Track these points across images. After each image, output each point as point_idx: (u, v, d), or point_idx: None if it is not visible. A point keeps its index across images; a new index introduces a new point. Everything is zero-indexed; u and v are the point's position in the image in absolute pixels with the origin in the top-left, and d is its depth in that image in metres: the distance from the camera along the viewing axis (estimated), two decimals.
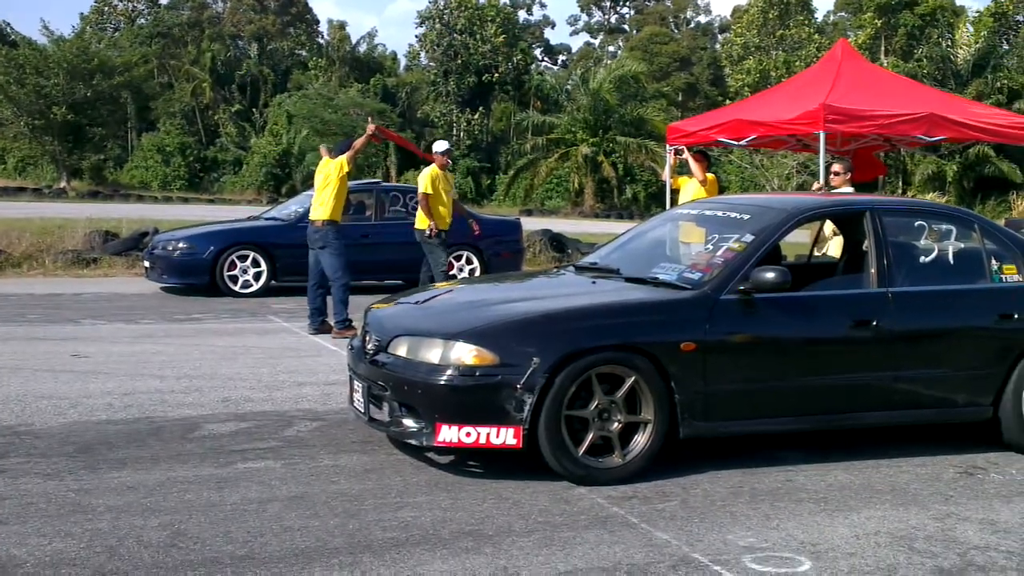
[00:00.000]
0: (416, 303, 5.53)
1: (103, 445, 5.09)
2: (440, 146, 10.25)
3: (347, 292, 9.04)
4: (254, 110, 58.10)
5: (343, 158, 9.14)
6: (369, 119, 9.83)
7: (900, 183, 39.87)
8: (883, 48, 48.58)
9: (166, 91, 56.77)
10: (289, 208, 13.32)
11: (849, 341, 5.16)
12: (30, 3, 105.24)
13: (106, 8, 66.30)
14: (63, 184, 43.96)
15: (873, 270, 5.33)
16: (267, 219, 13.12)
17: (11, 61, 43.67)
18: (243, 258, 11.92)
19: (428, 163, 10.24)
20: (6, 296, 11.21)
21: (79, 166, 48.08)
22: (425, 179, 9.97)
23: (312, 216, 9.17)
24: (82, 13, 66.17)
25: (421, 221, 9.98)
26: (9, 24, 61.24)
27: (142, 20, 65.04)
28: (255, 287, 11.90)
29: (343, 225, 9.26)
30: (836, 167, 9.28)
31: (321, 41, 65.58)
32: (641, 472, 4.67)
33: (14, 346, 8.02)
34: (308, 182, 42.68)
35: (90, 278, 13.45)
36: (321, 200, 9.09)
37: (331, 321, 9.05)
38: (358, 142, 9.43)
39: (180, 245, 12.01)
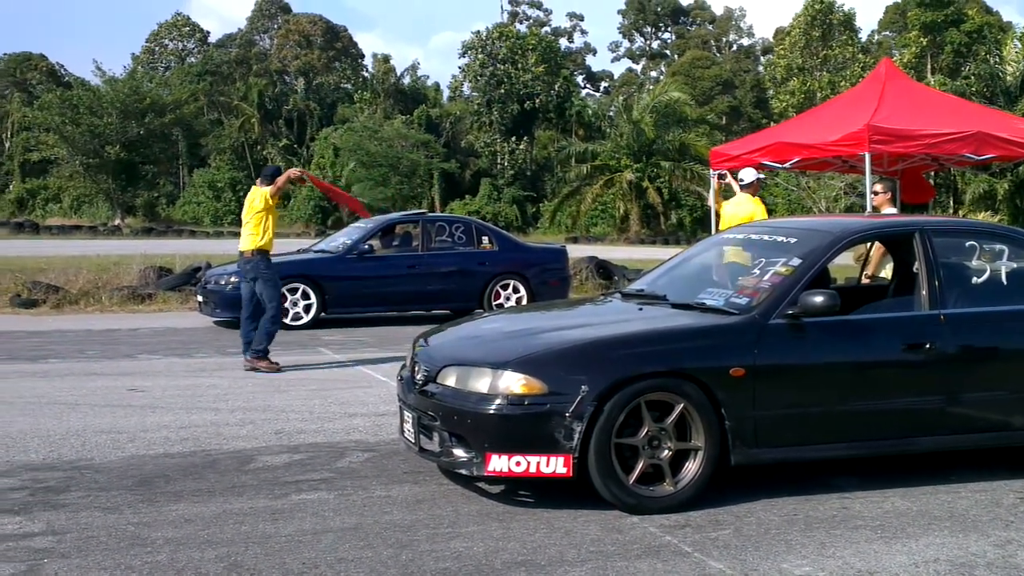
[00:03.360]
0: (464, 332, 5.58)
1: (161, 478, 5.19)
2: (749, 175, 10.02)
3: (276, 324, 8.87)
4: (297, 146, 59.03)
5: (266, 191, 8.93)
6: (300, 169, 9.64)
7: (951, 202, 39.28)
8: (929, 66, 48.07)
9: (216, 127, 57.92)
10: (337, 240, 13.50)
11: (901, 365, 5.09)
12: (83, 45, 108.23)
13: (156, 48, 68.02)
14: (117, 221, 44.99)
15: (924, 292, 5.26)
16: (316, 251, 13.30)
17: (65, 102, 44.90)
18: (293, 291, 12.06)
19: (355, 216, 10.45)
20: (64, 332, 11.47)
21: (133, 203, 49.21)
22: (762, 209, 9.79)
23: (241, 247, 9.02)
24: (134, 53, 68.04)
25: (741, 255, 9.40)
26: (63, 66, 63.20)
27: (192, 59, 66.56)
28: (305, 319, 12.02)
29: (275, 254, 9.13)
30: (877, 187, 9.21)
31: (366, 74, 66.49)
32: (693, 500, 4.64)
33: (73, 382, 8.20)
34: (355, 215, 43.31)
35: (145, 313, 13.71)
36: (248, 230, 8.93)
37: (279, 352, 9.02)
38: (280, 179, 9.12)
39: (232, 279, 12.14)
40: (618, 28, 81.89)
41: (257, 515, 4.55)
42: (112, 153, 44.71)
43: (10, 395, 7.54)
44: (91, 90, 46.11)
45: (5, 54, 66.60)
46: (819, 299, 4.87)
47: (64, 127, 44.74)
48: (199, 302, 12.61)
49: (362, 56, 70.41)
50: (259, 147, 59.35)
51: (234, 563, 3.91)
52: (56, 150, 48.91)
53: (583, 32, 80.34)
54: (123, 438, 6.10)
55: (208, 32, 71.25)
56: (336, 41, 68.50)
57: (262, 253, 8.93)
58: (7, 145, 61.58)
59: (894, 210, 9.16)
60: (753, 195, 9.96)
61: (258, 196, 8.99)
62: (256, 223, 8.92)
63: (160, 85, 52.52)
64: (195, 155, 58.40)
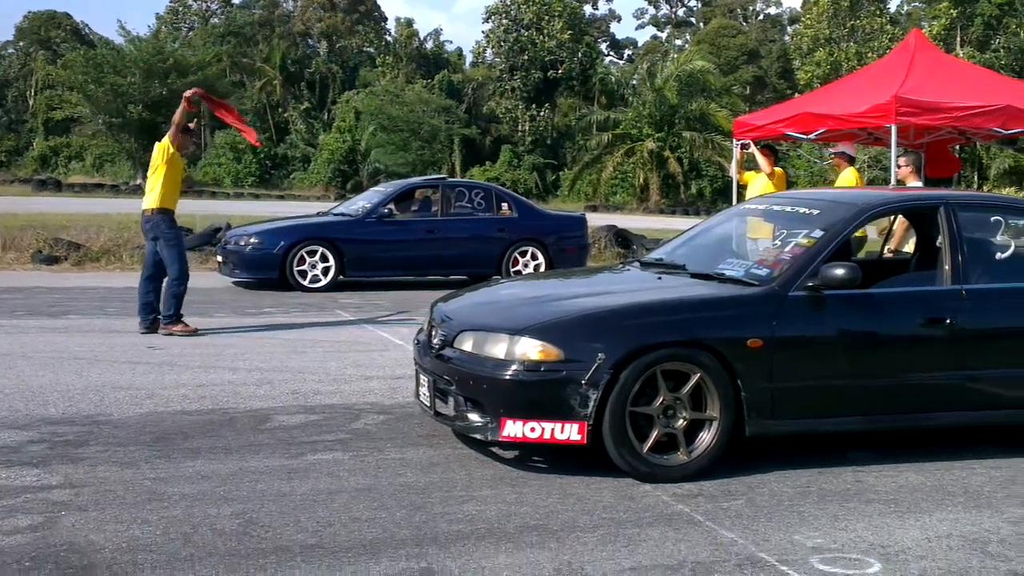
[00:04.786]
0: (482, 298, 5.57)
1: (178, 435, 5.23)
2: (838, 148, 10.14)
3: (181, 287, 8.48)
4: (319, 110, 58.89)
5: (165, 140, 8.50)
6: (192, 90, 8.74)
7: (976, 177, 38.86)
8: (959, 38, 47.35)
9: (238, 89, 57.81)
10: (357, 204, 13.51)
11: (921, 339, 5.05)
12: (108, 3, 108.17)
13: (180, 8, 67.85)
14: (139, 181, 45.04)
15: (947, 266, 5.21)
16: (335, 215, 13.31)
17: (89, 61, 44.93)
18: (312, 253, 12.09)
19: (254, 148, 9.58)
20: (85, 290, 11.56)
21: None
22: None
23: (143, 205, 8.61)
24: (158, 13, 68.02)
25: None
26: (87, 25, 63.24)
27: (215, 19, 66.39)
28: (323, 282, 12.06)
29: (177, 214, 8.71)
30: (901, 160, 9.14)
31: (389, 38, 66.18)
32: (706, 470, 4.64)
33: (93, 338, 8.27)
34: (375, 178, 43.32)
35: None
36: (150, 186, 8.53)
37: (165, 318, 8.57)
38: (176, 114, 8.56)
39: (252, 240, 12.24)
40: None
41: (273, 474, 4.58)
42: (135, 112, 44.75)
43: (31, 350, 7.61)
44: (115, 50, 46.10)
45: (30, 12, 66.74)
46: (840, 272, 4.82)
47: (87, 86, 44.80)
48: (219, 262, 12.67)
49: (385, 19, 70.06)
50: (281, 110, 59.31)
51: (249, 520, 3.95)
52: (79, 109, 49.03)
53: None
54: (141, 394, 6.15)
55: None
56: (360, 3, 68.08)
57: (163, 212, 8.49)
58: (31, 103, 61.83)
59: (919, 183, 9.07)
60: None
61: (157, 150, 8.54)
62: (156, 178, 8.48)
63: (184, 46, 52.44)
64: (217, 117, 58.41)
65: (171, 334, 8.44)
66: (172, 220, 8.66)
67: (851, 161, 9.95)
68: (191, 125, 8.85)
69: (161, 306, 8.60)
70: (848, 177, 9.66)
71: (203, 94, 9.05)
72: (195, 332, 8.53)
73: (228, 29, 62.21)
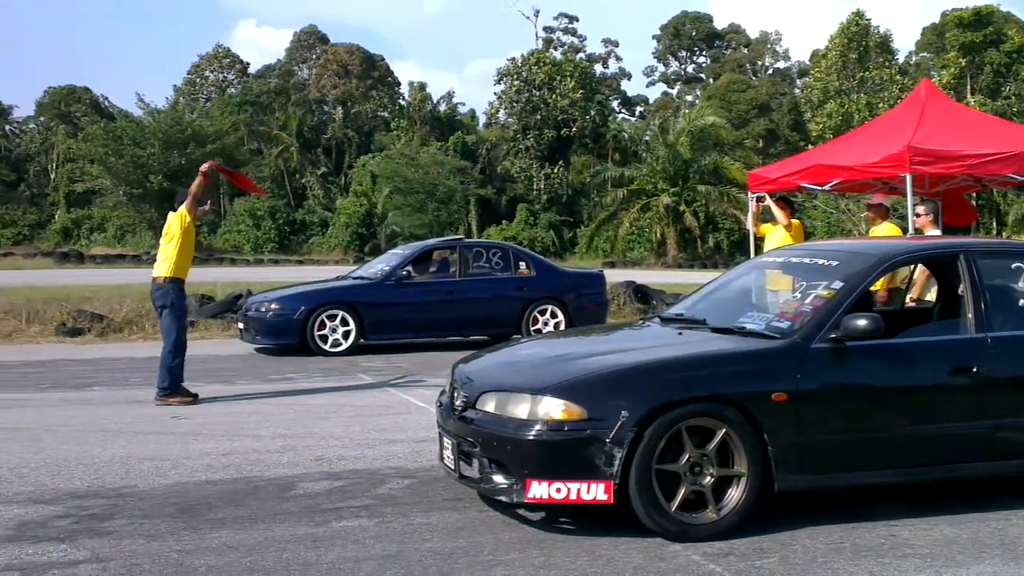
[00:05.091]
0: (503, 358, 5.57)
1: (203, 505, 5.22)
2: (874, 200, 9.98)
3: (176, 359, 8.45)
4: (335, 175, 59.53)
5: (183, 208, 8.61)
6: (209, 162, 9.03)
7: (994, 223, 38.74)
8: (969, 87, 47.57)
9: (255, 157, 58.59)
10: (376, 267, 13.59)
11: (948, 389, 5.01)
12: (127, 77, 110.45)
13: (198, 80, 69.12)
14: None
15: (970, 315, 5.17)
16: (354, 278, 13.37)
17: (109, 133, 45.70)
18: (332, 317, 12.13)
19: (255, 196, 10.00)
20: (109, 361, 11.62)
21: None
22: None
23: (154, 273, 8.63)
24: (175, 85, 69.13)
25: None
26: (107, 98, 64.29)
27: (232, 89, 67.53)
28: (344, 346, 12.07)
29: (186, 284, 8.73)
30: (919, 208, 9.11)
31: (402, 102, 67.04)
32: (737, 527, 4.57)
33: (117, 409, 8.30)
34: (392, 241, 43.59)
35: (188, 341, 13.80)
36: (164, 255, 8.57)
37: (183, 386, 8.61)
38: (193, 186, 8.70)
39: (273, 306, 12.29)
40: (653, 53, 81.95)
41: (299, 542, 4.55)
42: (155, 183, 45.35)
43: (56, 423, 7.64)
44: (134, 122, 46.90)
45: (51, 87, 68.08)
46: (862, 322, 4.80)
47: (108, 158, 45.49)
48: (240, 329, 12.73)
49: (399, 84, 71.02)
50: (298, 175, 60.02)
51: None
52: (100, 181, 49.76)
53: (618, 58, 79.88)
54: (166, 465, 6.15)
55: (248, 63, 72.25)
56: (373, 70, 69.14)
57: (174, 281, 8.56)
58: (52, 176, 62.82)
59: (938, 232, 9.05)
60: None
61: (174, 219, 8.66)
62: (172, 247, 8.56)
63: (202, 116, 53.30)
64: (233, 185, 59.07)
65: (167, 405, 8.35)
66: (182, 290, 8.76)
67: (886, 213, 9.87)
68: (205, 208, 9.01)
69: (158, 378, 8.53)
70: (884, 230, 9.55)
71: (218, 166, 9.28)
72: (195, 398, 8.46)
73: (244, 98, 63.25)
